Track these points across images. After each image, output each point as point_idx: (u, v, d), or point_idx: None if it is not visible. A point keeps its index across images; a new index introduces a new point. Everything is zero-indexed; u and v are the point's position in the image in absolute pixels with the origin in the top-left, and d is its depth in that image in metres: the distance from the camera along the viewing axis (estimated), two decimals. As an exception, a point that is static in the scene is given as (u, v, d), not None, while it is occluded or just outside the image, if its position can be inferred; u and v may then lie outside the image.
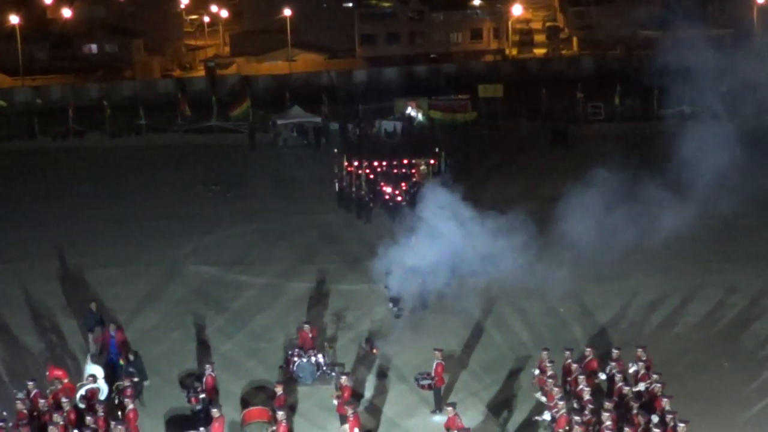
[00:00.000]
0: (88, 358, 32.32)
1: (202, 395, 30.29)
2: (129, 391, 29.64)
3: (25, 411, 28.64)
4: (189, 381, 32.56)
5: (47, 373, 31.34)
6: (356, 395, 31.25)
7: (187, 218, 51.00)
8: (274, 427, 27.80)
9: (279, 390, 29.77)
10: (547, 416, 28.21)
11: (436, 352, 31.16)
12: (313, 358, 33.19)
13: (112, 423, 27.80)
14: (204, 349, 35.65)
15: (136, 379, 31.34)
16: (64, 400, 29.11)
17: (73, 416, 28.60)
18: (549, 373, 29.82)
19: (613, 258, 38.38)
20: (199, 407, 29.90)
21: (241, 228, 49.26)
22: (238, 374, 33.69)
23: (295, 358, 33.20)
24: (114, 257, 45.20)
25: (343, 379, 30.07)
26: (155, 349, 35.62)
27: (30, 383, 29.89)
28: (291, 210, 51.72)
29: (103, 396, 30.68)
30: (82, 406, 29.77)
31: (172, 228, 49.30)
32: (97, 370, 31.34)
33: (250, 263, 44.09)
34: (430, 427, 30.18)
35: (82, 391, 30.37)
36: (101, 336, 34.36)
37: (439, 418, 29.88)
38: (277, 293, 40.77)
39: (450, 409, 28.00)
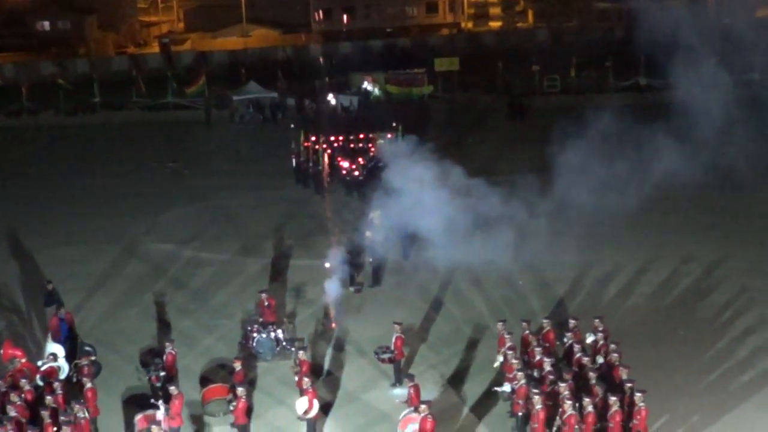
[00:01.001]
0: (49, 336, 32.09)
1: (163, 373, 30.25)
2: (86, 370, 29.52)
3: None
4: (149, 359, 32.49)
5: (2, 351, 31.16)
6: (316, 369, 31.34)
7: (144, 196, 50.70)
8: (235, 404, 27.86)
9: (238, 366, 29.80)
10: (507, 388, 28.39)
11: (396, 326, 31.26)
12: (272, 334, 33.20)
13: (72, 402, 27.74)
14: (163, 326, 35.55)
15: (93, 358, 31.21)
16: (23, 380, 28.97)
17: (30, 396, 28.43)
18: (508, 344, 29.98)
19: (569, 230, 38.72)
20: (159, 385, 29.85)
21: (198, 205, 49.05)
22: (198, 351, 33.63)
23: (255, 334, 33.20)
24: (71, 236, 44.87)
25: (301, 353, 30.15)
26: (114, 327, 35.59)
27: None
28: (248, 186, 51.53)
29: (63, 375, 30.57)
30: (41, 384, 29.60)
31: (129, 206, 48.98)
32: (58, 349, 31.20)
33: (208, 240, 43.95)
34: (390, 400, 30.28)
35: (43, 368, 30.24)
36: (51, 321, 33.94)
37: (399, 392, 30.10)
38: (235, 269, 40.69)
39: (408, 381, 28.25)
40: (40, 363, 30.79)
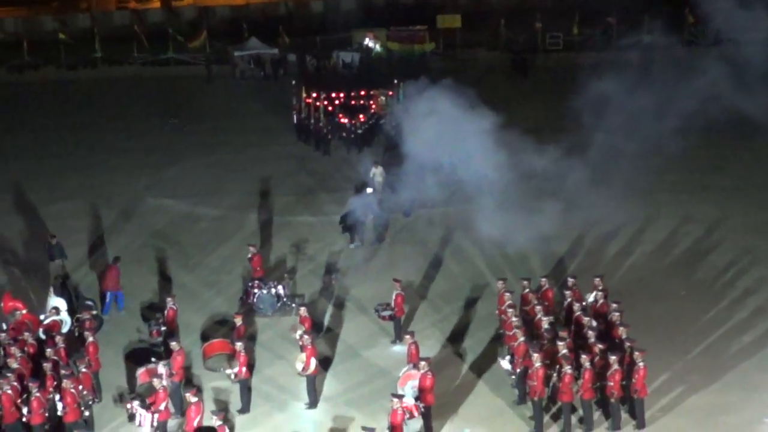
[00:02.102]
0: (51, 290, 32.11)
1: (164, 328, 30.31)
2: (88, 324, 29.56)
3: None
4: (150, 314, 32.57)
5: (2, 304, 31.21)
6: (316, 326, 31.40)
7: (144, 151, 50.58)
8: (235, 359, 27.95)
9: (239, 321, 29.88)
10: (507, 366, 28.39)
11: (396, 283, 31.31)
12: (273, 290, 33.25)
13: (73, 356, 27.84)
14: (164, 281, 35.60)
15: (95, 312, 31.26)
16: (26, 333, 29.02)
17: (33, 349, 28.52)
18: (507, 302, 30.04)
19: (569, 189, 38.55)
20: (159, 340, 29.92)
21: (198, 160, 48.95)
22: (198, 307, 33.71)
23: (255, 290, 33.25)
24: (71, 191, 44.77)
25: (302, 309, 30.22)
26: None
27: None
28: (249, 142, 51.42)
29: (65, 328, 30.62)
30: (43, 337, 29.68)
31: (129, 161, 48.88)
32: (60, 303, 31.23)
33: (209, 196, 43.89)
34: (390, 356, 30.37)
35: (46, 322, 30.33)
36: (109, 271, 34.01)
37: (399, 348, 30.19)
38: (236, 225, 40.69)
39: (408, 337, 28.32)
40: (42, 317, 30.84)
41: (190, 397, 25.36)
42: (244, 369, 27.74)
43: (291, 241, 38.67)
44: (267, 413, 27.90)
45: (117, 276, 33.57)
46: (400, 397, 25.41)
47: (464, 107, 36.00)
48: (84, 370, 27.13)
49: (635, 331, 28.13)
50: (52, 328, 30.09)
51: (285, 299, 33.25)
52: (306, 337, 28.38)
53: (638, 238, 38.32)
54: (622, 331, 27.92)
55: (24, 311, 30.73)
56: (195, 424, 25.07)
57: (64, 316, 30.94)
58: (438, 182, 36.95)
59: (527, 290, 30.82)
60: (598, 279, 30.91)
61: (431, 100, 36.83)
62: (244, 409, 27.96)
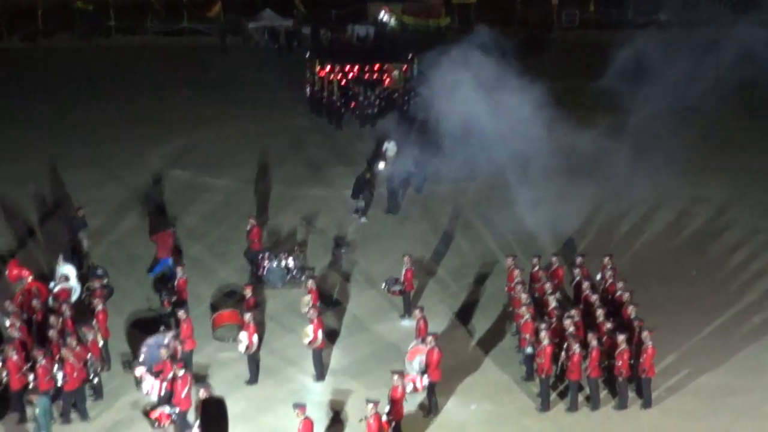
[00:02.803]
0: (60, 257, 32.15)
1: (174, 297, 30.40)
2: (99, 292, 29.63)
3: None
4: (161, 284, 32.66)
5: (8, 272, 31.30)
6: (325, 299, 31.48)
7: (157, 121, 50.52)
8: (243, 330, 28.01)
9: (248, 293, 29.94)
10: (529, 349, 28.34)
11: (406, 258, 31.27)
12: (282, 262, 33.29)
13: (80, 324, 27.93)
14: (175, 251, 35.58)
15: (105, 281, 31.32)
16: (34, 300, 29.15)
17: (41, 316, 28.67)
18: (516, 279, 30.02)
19: (579, 167, 38.35)
20: (168, 310, 30.00)
21: (211, 131, 48.86)
22: (208, 277, 33.78)
23: (265, 262, 33.29)
24: (84, 160, 44.66)
25: (310, 282, 30.28)
26: (127, 251, 35.69)
27: None
28: (262, 114, 51.37)
29: (75, 296, 30.71)
30: (52, 305, 29.77)
31: (142, 131, 48.80)
32: (70, 270, 31.28)
33: (220, 167, 43.86)
34: (398, 331, 30.43)
35: (56, 290, 30.42)
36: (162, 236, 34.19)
37: (408, 323, 30.25)
38: (247, 197, 40.70)
39: (417, 312, 28.35)
40: (52, 284, 30.89)
41: (177, 371, 25.37)
42: (254, 340, 27.80)
43: (302, 213, 38.58)
44: (274, 385, 27.94)
45: (168, 243, 33.63)
46: (401, 373, 25.38)
47: (488, 79, 35.78)
48: (91, 338, 27.23)
49: (644, 311, 28.08)
50: (61, 296, 30.14)
51: (294, 272, 33.27)
52: (312, 310, 28.43)
53: (649, 218, 38.24)
54: (631, 311, 27.92)
55: (30, 278, 30.75)
56: (183, 396, 25.05)
57: (74, 283, 30.99)
58: (453, 157, 36.80)
59: (537, 268, 30.80)
60: (607, 258, 30.85)
61: (454, 71, 36.53)
62: (252, 380, 28.05)
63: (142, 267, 34.38)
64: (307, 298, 29.84)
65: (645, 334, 26.51)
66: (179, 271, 30.91)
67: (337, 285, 33.48)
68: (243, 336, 27.83)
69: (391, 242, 36.14)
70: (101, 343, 27.98)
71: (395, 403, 24.89)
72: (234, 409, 25.42)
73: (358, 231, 37.32)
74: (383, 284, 32.05)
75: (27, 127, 49.45)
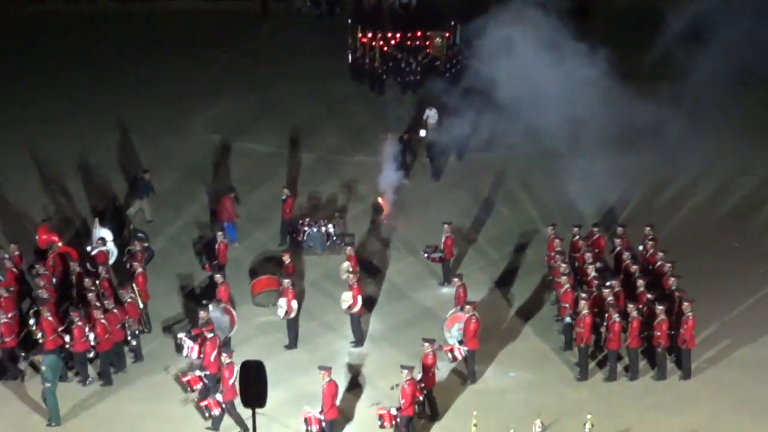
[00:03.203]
0: (96, 221, 32.37)
1: (215, 261, 30.49)
2: (139, 256, 29.80)
3: (14, 270, 29.14)
4: (201, 248, 32.76)
5: (37, 237, 31.50)
6: (364, 265, 31.52)
7: (195, 85, 50.37)
8: (283, 296, 28.10)
9: (287, 259, 29.96)
10: (568, 319, 28.19)
11: (446, 226, 31.19)
12: (323, 228, 33.33)
13: (118, 286, 28.24)
14: (214, 216, 35.69)
15: (146, 244, 31.51)
16: (72, 263, 29.34)
17: (78, 279, 28.86)
18: (557, 249, 29.90)
19: (622, 136, 37.89)
20: (210, 274, 30.13)
21: (250, 96, 48.66)
22: (247, 243, 33.94)
23: (306, 228, 33.33)
24: (119, 123, 44.50)
25: (348, 249, 30.31)
26: (166, 216, 35.81)
27: (12, 245, 30.35)
28: (302, 80, 51.06)
29: (112, 259, 30.91)
30: (90, 268, 30.00)
31: (180, 95, 48.69)
32: (106, 233, 31.48)
33: (259, 132, 43.64)
34: (437, 298, 30.42)
35: (93, 253, 30.65)
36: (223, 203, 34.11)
37: (447, 290, 30.21)
38: (287, 163, 40.61)
39: (457, 280, 28.33)
40: (89, 248, 31.12)
41: (207, 333, 25.41)
42: (293, 305, 27.87)
43: (342, 180, 38.56)
44: (313, 350, 28.12)
45: (230, 207, 33.75)
46: (431, 340, 25.33)
47: (540, 44, 35.41)
48: (129, 300, 27.43)
49: (685, 282, 27.92)
50: (99, 259, 30.34)
51: (335, 238, 33.32)
52: (351, 275, 28.44)
53: (691, 189, 37.74)
54: (672, 282, 27.77)
55: (60, 243, 30.86)
56: (212, 359, 25.15)
57: (111, 246, 31.17)
58: (497, 124, 36.57)
59: (577, 237, 30.67)
60: (648, 228, 30.67)
61: (503, 35, 36.11)
62: (291, 344, 28.20)
63: (181, 231, 34.53)
64: (347, 264, 29.84)
65: (686, 305, 26.38)
66: (219, 235, 30.99)
67: (377, 252, 33.49)
68: (282, 301, 27.92)
69: (431, 209, 35.93)
70: (141, 306, 28.19)
71: (426, 371, 24.90)
72: (273, 374, 25.47)
73: (399, 198, 37.10)
74: (423, 251, 31.92)
75: (68, 88, 49.43)
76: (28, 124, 43.98)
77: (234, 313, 27.92)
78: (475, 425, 22.96)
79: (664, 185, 37.88)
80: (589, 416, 23.11)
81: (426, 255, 31.72)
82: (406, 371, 23.91)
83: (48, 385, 24.78)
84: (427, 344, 25.07)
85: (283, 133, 43.61)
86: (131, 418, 25.45)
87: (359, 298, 28.06)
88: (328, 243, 33.25)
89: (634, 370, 26.83)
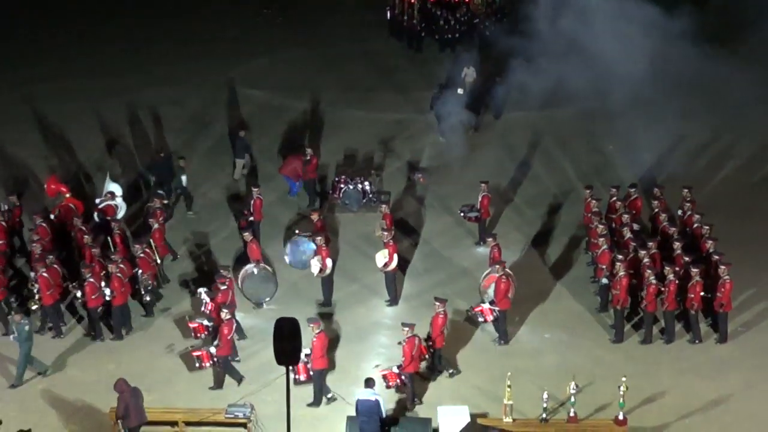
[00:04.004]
0: (108, 175, 32.51)
1: (251, 218, 30.50)
2: (159, 213, 29.81)
3: (3, 224, 29.30)
4: (236, 205, 32.80)
5: (46, 187, 31.68)
6: (400, 224, 31.47)
7: (236, 41, 50.12)
8: (317, 254, 28.12)
9: (315, 217, 29.93)
10: (604, 280, 27.97)
11: (482, 185, 31.02)
12: (359, 185, 33.27)
13: (134, 244, 28.30)
14: (250, 172, 35.73)
15: (165, 202, 31.49)
16: (75, 218, 29.46)
17: (80, 235, 28.86)
18: (593, 210, 29.70)
19: (663, 98, 37.40)
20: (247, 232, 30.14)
21: (290, 53, 48.31)
22: (284, 199, 33.94)
23: (342, 185, 33.28)
24: (162, 78, 44.50)
25: (383, 207, 30.20)
26: (202, 172, 35.84)
27: (12, 197, 30.71)
28: (342, 37, 50.66)
29: (120, 214, 31.02)
30: (99, 222, 30.33)
31: (220, 50, 48.38)
32: (116, 188, 31.63)
33: (299, 89, 43.31)
34: (473, 258, 30.31)
35: (101, 206, 30.85)
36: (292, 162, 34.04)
37: (483, 250, 29.98)
38: (325, 119, 40.42)
39: (491, 240, 28.24)
40: (98, 200, 31.29)
41: (225, 315, 25.16)
42: (327, 263, 27.87)
43: (379, 137, 38.28)
44: (348, 307, 28.20)
45: (294, 163, 33.75)
46: (442, 300, 25.29)
47: None
48: (141, 255, 27.49)
49: (722, 245, 27.68)
50: (106, 212, 30.49)
51: (371, 195, 33.24)
52: (386, 233, 28.37)
53: (730, 152, 37.11)
54: (709, 245, 27.55)
55: (68, 195, 31.02)
56: (225, 340, 24.87)
57: (119, 201, 31.27)
58: (536, 83, 36.27)
59: (615, 198, 30.43)
60: (686, 190, 30.43)
61: None
62: (326, 302, 28.23)
63: (217, 186, 34.69)
64: (382, 223, 29.76)
65: (722, 269, 26.16)
66: (255, 191, 30.98)
67: (413, 210, 33.37)
68: (317, 259, 27.89)
69: (468, 168, 35.71)
70: (158, 262, 28.40)
71: (436, 330, 24.89)
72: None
73: (435, 156, 36.97)
74: (459, 210, 31.75)
75: (108, 44, 49.27)
76: (66, 81, 43.79)
77: (275, 272, 28.10)
78: (509, 387, 22.85)
79: (703, 146, 37.27)
80: (623, 379, 22.97)
81: (462, 214, 31.52)
82: (407, 328, 24.01)
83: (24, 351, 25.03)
84: (438, 303, 25.06)
85: (320, 89, 43.24)
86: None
87: (395, 256, 28.01)
88: (364, 200, 33.14)
89: (670, 333, 26.68)
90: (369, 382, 22.63)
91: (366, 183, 33.40)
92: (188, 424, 23.41)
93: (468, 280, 28.98)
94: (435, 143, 37.87)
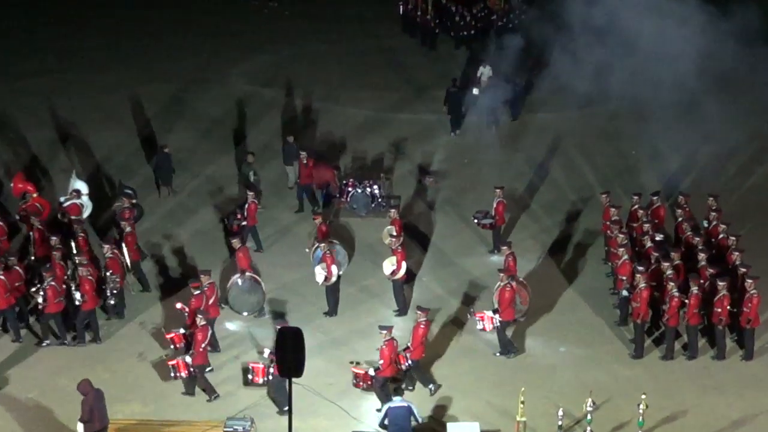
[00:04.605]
0: (74, 173, 32.02)
1: (244, 223, 29.84)
2: (128, 213, 29.17)
3: None
4: (230, 209, 32.07)
5: (12, 185, 31.23)
6: (410, 229, 30.85)
7: (241, 35, 49.63)
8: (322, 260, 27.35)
9: (318, 221, 29.20)
10: (624, 292, 27.04)
11: (498, 190, 30.25)
12: (368, 189, 32.53)
13: (103, 244, 27.37)
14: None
15: (134, 201, 30.83)
16: (32, 217, 28.92)
17: (38, 234, 28.36)
18: (613, 218, 28.73)
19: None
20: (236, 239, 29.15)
21: (296, 48, 47.86)
22: (285, 201, 33.34)
23: (350, 189, 32.56)
24: (164, 72, 44.07)
25: (392, 212, 29.56)
26: (200, 170, 35.29)
27: None
28: (352, 32, 50.29)
29: (86, 213, 30.56)
30: (64, 220, 29.78)
31: (224, 44, 47.98)
32: (82, 186, 31.10)
33: (304, 86, 42.68)
34: (486, 266, 29.52)
35: (66, 204, 30.25)
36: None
37: (497, 258, 29.29)
38: (334, 118, 39.71)
39: (506, 248, 27.40)
40: (62, 199, 30.74)
41: (199, 320, 24.24)
42: (333, 271, 27.04)
43: (389, 139, 37.66)
44: (354, 317, 27.46)
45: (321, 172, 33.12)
46: (425, 309, 24.59)
47: None
48: (110, 255, 26.70)
49: (749, 257, 26.83)
50: (71, 211, 29.90)
51: (380, 199, 32.47)
52: (395, 240, 27.70)
53: (758, 158, 36.31)
54: (735, 257, 26.71)
55: (35, 194, 30.60)
56: (201, 348, 23.96)
57: (85, 200, 30.80)
58: (555, 84, 35.47)
59: (636, 206, 29.57)
60: (711, 199, 29.62)
61: None
62: (332, 312, 27.51)
63: (213, 186, 34.16)
64: (391, 229, 29.10)
65: (749, 282, 25.29)
66: (249, 196, 30.21)
67: (424, 216, 32.72)
68: (321, 267, 27.14)
69: (482, 172, 35.20)
70: (128, 265, 27.70)
71: (416, 341, 24.22)
72: (311, 342, 24.60)
73: (448, 159, 36.33)
74: (473, 217, 30.91)
75: (107, 40, 48.58)
76: (65, 76, 43.43)
77: (261, 282, 27.35)
78: (523, 402, 22.23)
79: (730, 153, 36.23)
80: (643, 396, 22.32)
81: (476, 221, 30.72)
82: (384, 331, 23.51)
83: None
84: (420, 313, 24.43)
85: (329, 87, 42.70)
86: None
87: (403, 264, 27.28)
88: (373, 205, 32.40)
89: (693, 348, 25.84)
90: (399, 391, 22.65)
91: (375, 186, 32.69)
92: (186, 437, 22.93)
93: (480, 290, 28.32)
94: (447, 145, 37.40)
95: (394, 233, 28.46)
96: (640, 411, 22.18)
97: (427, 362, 25.20)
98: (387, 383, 23.70)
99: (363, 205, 32.31)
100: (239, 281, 27.11)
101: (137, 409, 23.66)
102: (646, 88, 34.56)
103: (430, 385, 24.47)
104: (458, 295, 28.30)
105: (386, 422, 21.95)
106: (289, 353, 18.65)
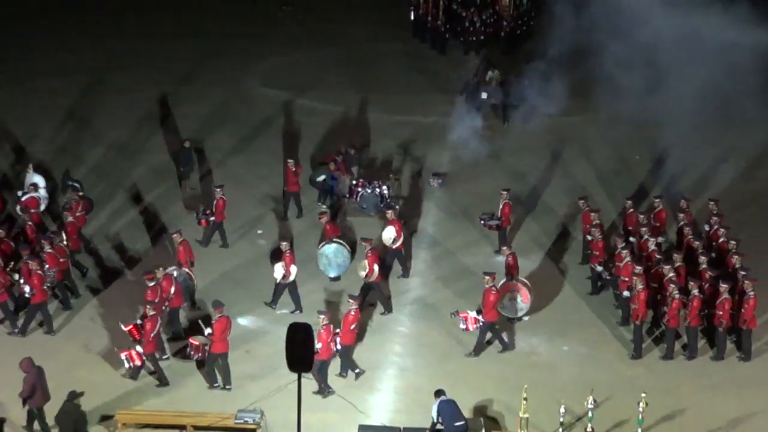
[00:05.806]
0: (30, 167, 32.20)
1: (212, 218, 30.33)
2: (75, 206, 29.51)
3: None
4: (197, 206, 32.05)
5: None
6: (419, 230, 31.32)
7: (256, 39, 49.78)
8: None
9: (324, 219, 29.74)
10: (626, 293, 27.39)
11: (503, 192, 30.57)
12: (377, 190, 32.84)
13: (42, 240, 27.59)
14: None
15: (81, 194, 31.00)
16: None
17: None
18: (594, 222, 29.05)
19: (689, 105, 36.71)
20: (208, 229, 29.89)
21: (311, 52, 48.02)
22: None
23: (359, 189, 32.86)
24: (181, 75, 44.27)
25: (389, 213, 29.70)
26: (220, 173, 35.37)
27: None
28: (363, 37, 50.35)
29: (43, 206, 30.80)
30: (21, 214, 30.09)
31: (240, 48, 48.12)
32: (39, 180, 31.38)
33: (319, 89, 42.98)
34: (491, 267, 29.52)
35: (23, 198, 30.44)
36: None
37: (502, 259, 29.26)
38: (344, 121, 40.00)
39: (506, 249, 27.94)
40: (20, 193, 30.94)
41: (149, 310, 24.71)
42: (291, 269, 27.47)
43: (399, 140, 37.86)
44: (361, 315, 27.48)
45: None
46: (356, 298, 25.35)
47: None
48: (49, 249, 26.88)
49: (749, 260, 27.15)
50: (29, 205, 30.11)
51: (388, 200, 32.73)
52: (365, 243, 27.95)
53: (760, 163, 36.58)
54: (736, 260, 27.02)
55: None
56: (151, 337, 24.53)
57: (42, 193, 31.06)
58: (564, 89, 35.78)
59: (631, 210, 29.86)
60: (712, 203, 29.92)
61: None
62: (297, 307, 27.80)
63: (239, 185, 34.29)
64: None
65: (747, 284, 25.66)
66: (218, 192, 30.48)
67: (431, 215, 32.94)
68: (280, 265, 27.37)
69: (488, 176, 35.37)
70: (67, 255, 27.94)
71: (345, 326, 24.78)
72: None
73: (455, 161, 36.49)
74: (479, 218, 31.20)
75: (119, 39, 48.85)
76: (81, 75, 43.59)
77: (194, 277, 27.67)
78: (525, 399, 22.40)
79: (731, 157, 36.57)
80: (643, 395, 22.52)
81: (482, 222, 30.99)
82: (322, 316, 24.26)
83: None
84: (351, 301, 25.08)
85: (340, 90, 42.90)
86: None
87: (375, 267, 27.44)
88: (382, 205, 32.51)
89: (693, 349, 26.14)
90: (439, 393, 22.55)
91: (384, 187, 32.97)
92: (197, 428, 23.08)
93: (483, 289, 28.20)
94: (456, 147, 37.22)
95: (366, 239, 28.44)
96: (640, 409, 22.34)
97: (434, 360, 25.58)
98: (325, 367, 24.20)
99: (372, 205, 32.60)
100: (174, 274, 27.07)
101: (152, 400, 24.01)
102: (666, 93, 34.76)
103: (357, 370, 25.06)
104: (464, 295, 28.40)
105: (439, 419, 22.17)
106: (299, 348, 18.93)
